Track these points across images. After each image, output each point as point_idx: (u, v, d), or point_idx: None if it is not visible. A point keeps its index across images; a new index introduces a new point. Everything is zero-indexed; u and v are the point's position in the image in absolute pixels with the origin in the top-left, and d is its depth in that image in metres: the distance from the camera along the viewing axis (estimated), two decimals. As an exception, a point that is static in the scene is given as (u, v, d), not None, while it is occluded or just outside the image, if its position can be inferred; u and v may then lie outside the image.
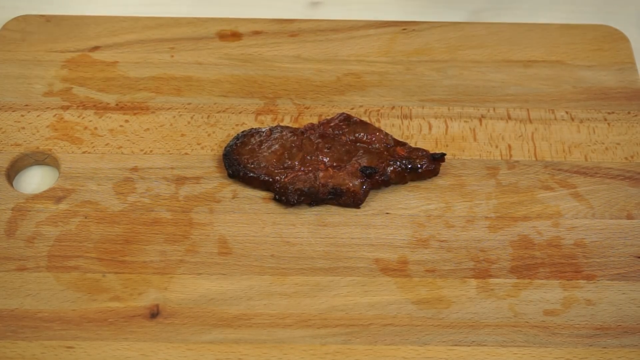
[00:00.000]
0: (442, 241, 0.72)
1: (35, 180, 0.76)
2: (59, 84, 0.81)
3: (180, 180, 0.75)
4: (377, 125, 0.79)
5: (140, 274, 0.69)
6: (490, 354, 0.66)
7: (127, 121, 0.79)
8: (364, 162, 0.75)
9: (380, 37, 0.86)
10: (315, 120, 0.79)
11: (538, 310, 0.68)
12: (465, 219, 0.74)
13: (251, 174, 0.74)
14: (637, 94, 0.82)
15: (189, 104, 0.80)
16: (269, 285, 0.69)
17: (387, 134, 0.77)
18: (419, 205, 0.74)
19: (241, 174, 0.74)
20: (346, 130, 0.76)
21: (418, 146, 0.77)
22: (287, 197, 0.73)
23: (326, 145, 0.75)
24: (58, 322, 0.67)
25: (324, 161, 0.74)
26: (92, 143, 0.77)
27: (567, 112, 0.81)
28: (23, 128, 0.78)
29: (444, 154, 0.75)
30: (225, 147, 0.76)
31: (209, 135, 0.78)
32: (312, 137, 0.76)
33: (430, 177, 0.76)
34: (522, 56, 0.85)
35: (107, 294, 0.68)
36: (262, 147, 0.75)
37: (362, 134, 0.76)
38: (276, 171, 0.74)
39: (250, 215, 0.73)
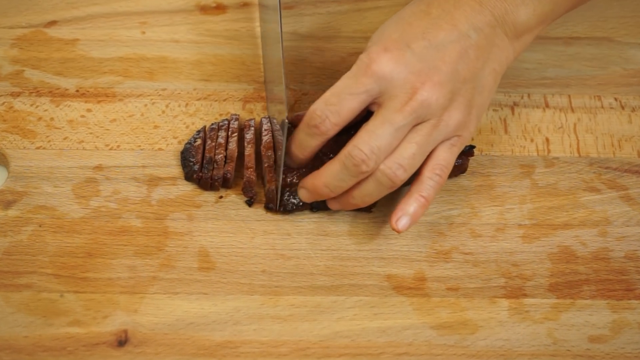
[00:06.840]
0: (467, 254, 0.72)
1: (-21, 181, 0.76)
2: (8, 66, 0.81)
3: (153, 181, 0.75)
4: (388, 114, 0.79)
5: (105, 294, 0.69)
6: (525, 388, 0.67)
7: (89, 110, 0.79)
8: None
9: (392, 10, 0.86)
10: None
11: (582, 336, 0.69)
12: (494, 227, 0.74)
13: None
14: (698, 77, 0.83)
15: (164, 89, 0.81)
16: (259, 306, 0.69)
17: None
18: (439, 211, 0.74)
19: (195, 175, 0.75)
20: (352, 122, 0.75)
21: (438, 139, 0.77)
22: (281, 202, 0.73)
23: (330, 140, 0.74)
24: (7, 351, 0.67)
25: (328, 157, 0.73)
26: (47, 137, 0.77)
27: (616, 99, 0.81)
28: (-35, 119, 0.78)
29: (473, 147, 0.75)
30: (185, 144, 0.76)
31: (187, 127, 0.78)
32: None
33: (456, 175, 0.76)
34: (562, 32, 0.85)
35: (66, 318, 0.68)
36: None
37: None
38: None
39: (237, 222, 0.73)
